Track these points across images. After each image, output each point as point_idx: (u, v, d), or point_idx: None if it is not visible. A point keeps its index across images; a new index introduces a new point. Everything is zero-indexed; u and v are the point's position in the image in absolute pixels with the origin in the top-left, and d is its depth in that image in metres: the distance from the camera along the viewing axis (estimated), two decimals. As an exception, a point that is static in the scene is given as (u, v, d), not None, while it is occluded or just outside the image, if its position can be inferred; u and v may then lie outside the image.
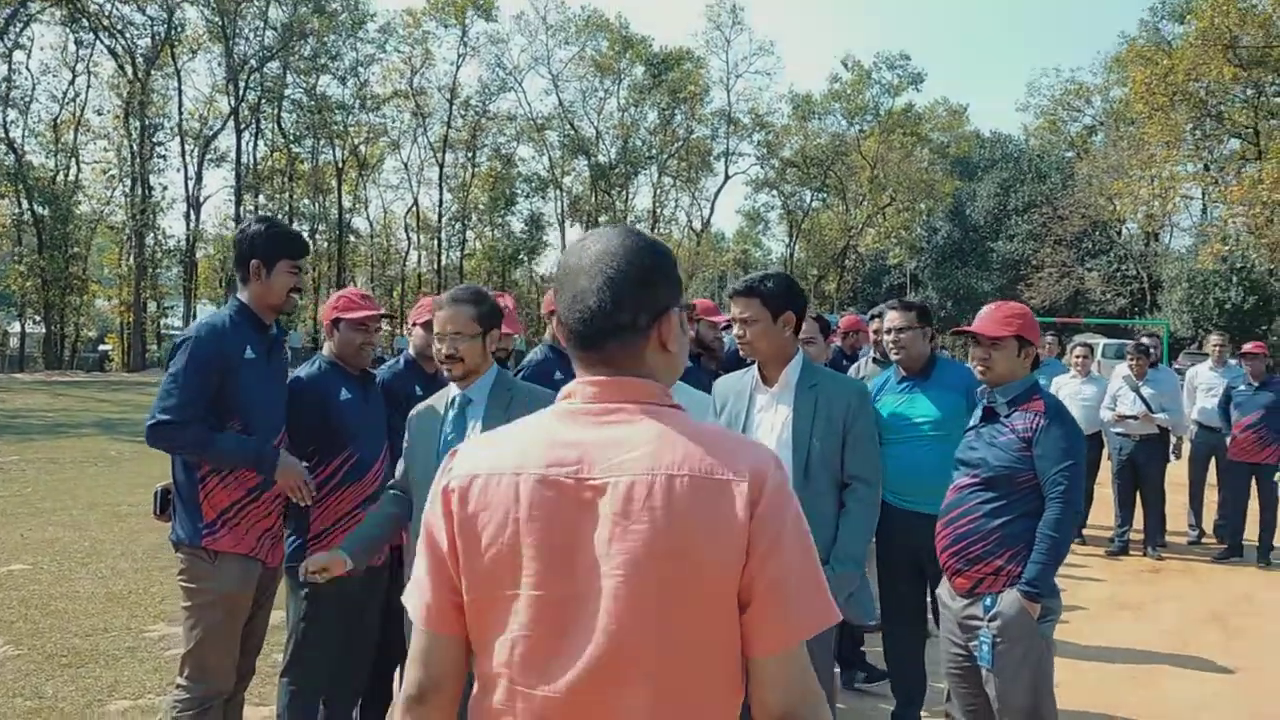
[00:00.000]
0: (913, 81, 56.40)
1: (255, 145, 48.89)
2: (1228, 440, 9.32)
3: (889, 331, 4.74)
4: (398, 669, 4.47)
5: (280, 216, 51.03)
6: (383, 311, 4.30)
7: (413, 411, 3.51)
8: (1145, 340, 9.80)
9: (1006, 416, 3.62)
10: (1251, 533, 9.21)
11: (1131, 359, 9.38)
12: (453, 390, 3.41)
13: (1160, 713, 5.34)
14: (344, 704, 4.22)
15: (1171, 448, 9.48)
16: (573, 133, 56.68)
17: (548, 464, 1.45)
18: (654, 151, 57.71)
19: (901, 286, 55.86)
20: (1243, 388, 9.23)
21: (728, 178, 58.70)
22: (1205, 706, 5.47)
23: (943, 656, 3.84)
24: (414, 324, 4.65)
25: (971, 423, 3.83)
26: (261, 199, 49.62)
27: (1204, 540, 9.86)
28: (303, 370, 4.10)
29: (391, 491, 3.53)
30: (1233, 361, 10.02)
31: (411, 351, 4.65)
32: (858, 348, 7.28)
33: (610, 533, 1.39)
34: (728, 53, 67.99)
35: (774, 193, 61.27)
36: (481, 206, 57.09)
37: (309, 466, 3.94)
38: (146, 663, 5.62)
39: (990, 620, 3.50)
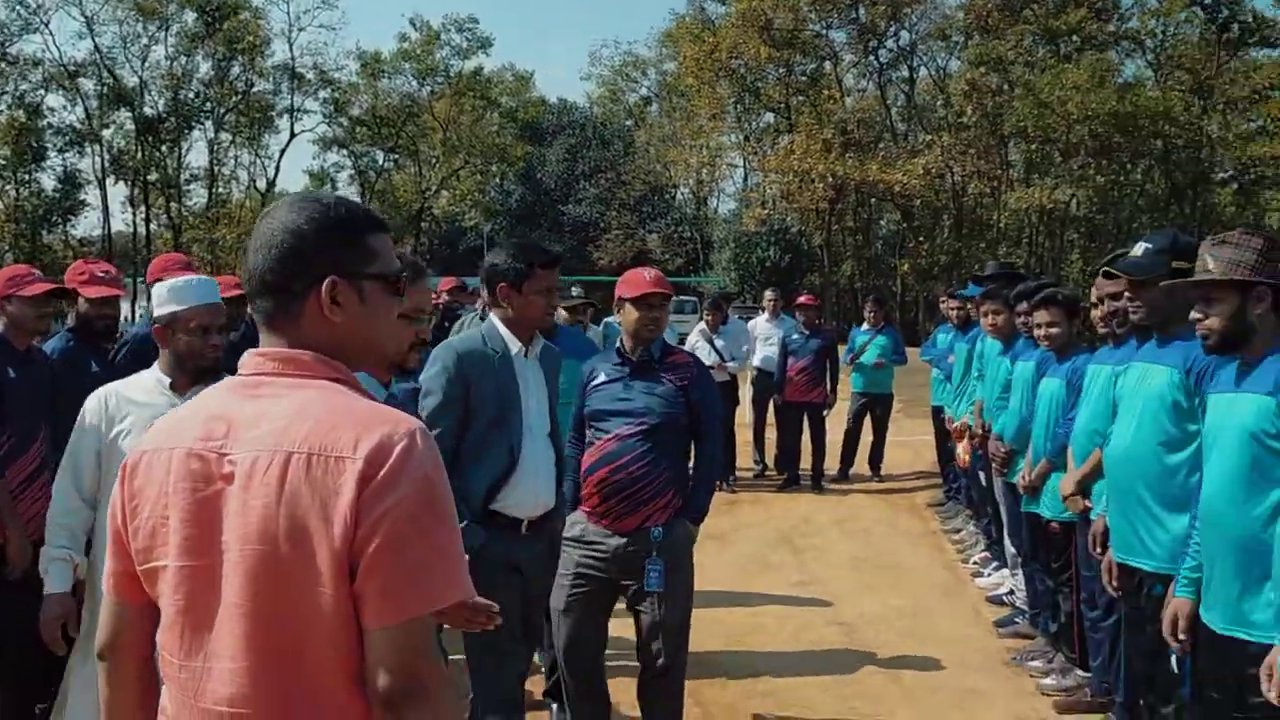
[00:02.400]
0: (481, 46, 56.87)
1: None
2: (782, 384, 10.44)
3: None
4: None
5: None
6: (62, 285, 4.11)
7: None
8: (718, 296, 10.76)
9: (661, 370, 3.93)
10: (806, 464, 10.43)
11: (707, 314, 10.27)
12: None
13: (759, 624, 5.97)
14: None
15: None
16: (113, 82, 51.22)
17: (198, 438, 1.50)
18: (209, 105, 53.66)
19: (479, 249, 56.55)
20: (796, 336, 10.37)
21: (293, 135, 55.92)
22: (790, 616, 6.18)
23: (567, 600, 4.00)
24: (76, 288, 4.26)
25: (606, 377, 4.00)
26: None
27: (767, 473, 11.01)
28: None
29: None
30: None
31: (72, 322, 4.32)
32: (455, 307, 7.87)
33: (235, 508, 1.44)
34: (289, 4, 64.46)
35: (344, 152, 59.41)
36: (2, 161, 50.12)
37: None
38: None
39: (660, 548, 3.80)
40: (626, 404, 3.89)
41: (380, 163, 59.17)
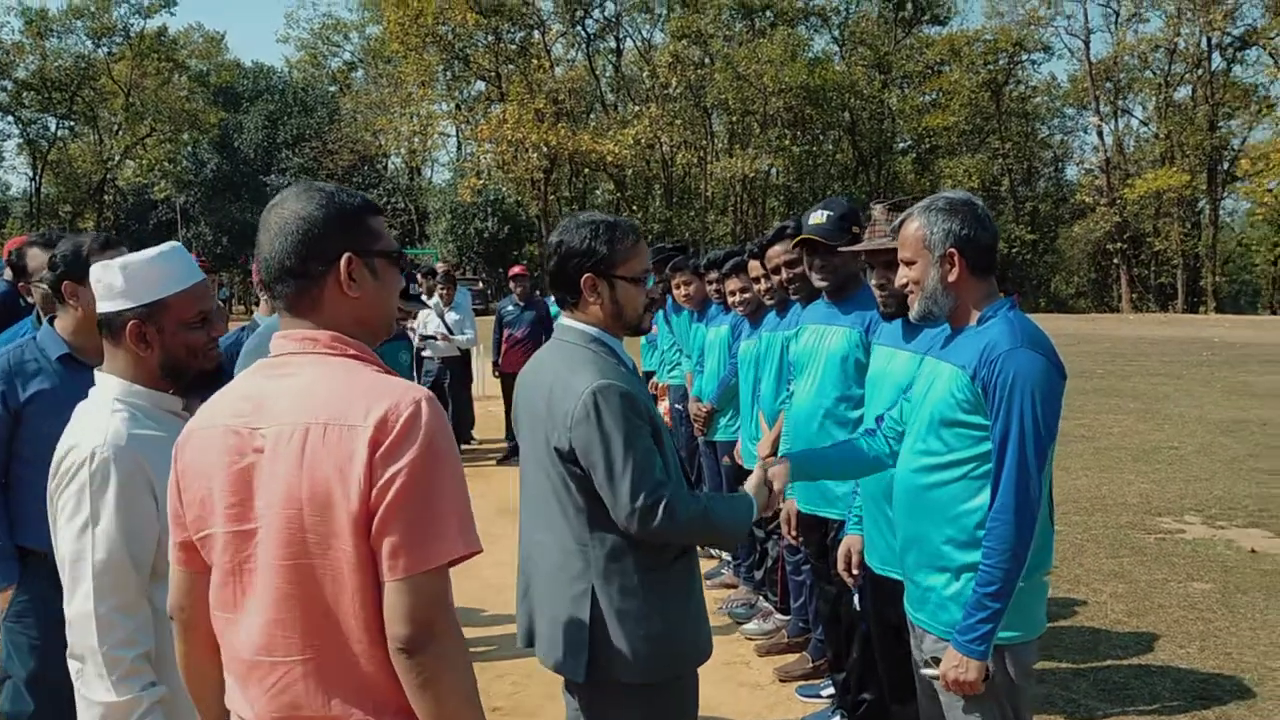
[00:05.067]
0: (165, 4, 52.85)
1: None
2: (498, 355, 10.45)
3: None
4: None
5: None
6: None
7: None
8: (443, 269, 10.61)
9: None
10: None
11: (441, 287, 10.14)
12: None
13: (480, 596, 5.95)
14: None
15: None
16: None
17: (232, 415, 1.66)
18: None
19: (172, 222, 52.84)
20: (511, 308, 10.39)
21: (-54, 99, 49.98)
22: (508, 586, 6.19)
23: None
24: None
25: None
26: None
27: (483, 444, 11.01)
28: None
29: None
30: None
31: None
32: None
33: (264, 477, 1.59)
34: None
35: (9, 119, 53.65)
36: None
37: None
38: None
39: None
40: None
41: (53, 130, 53.88)
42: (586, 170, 49.13)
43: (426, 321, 10.06)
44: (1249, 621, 5.21)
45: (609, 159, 43.88)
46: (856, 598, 3.65)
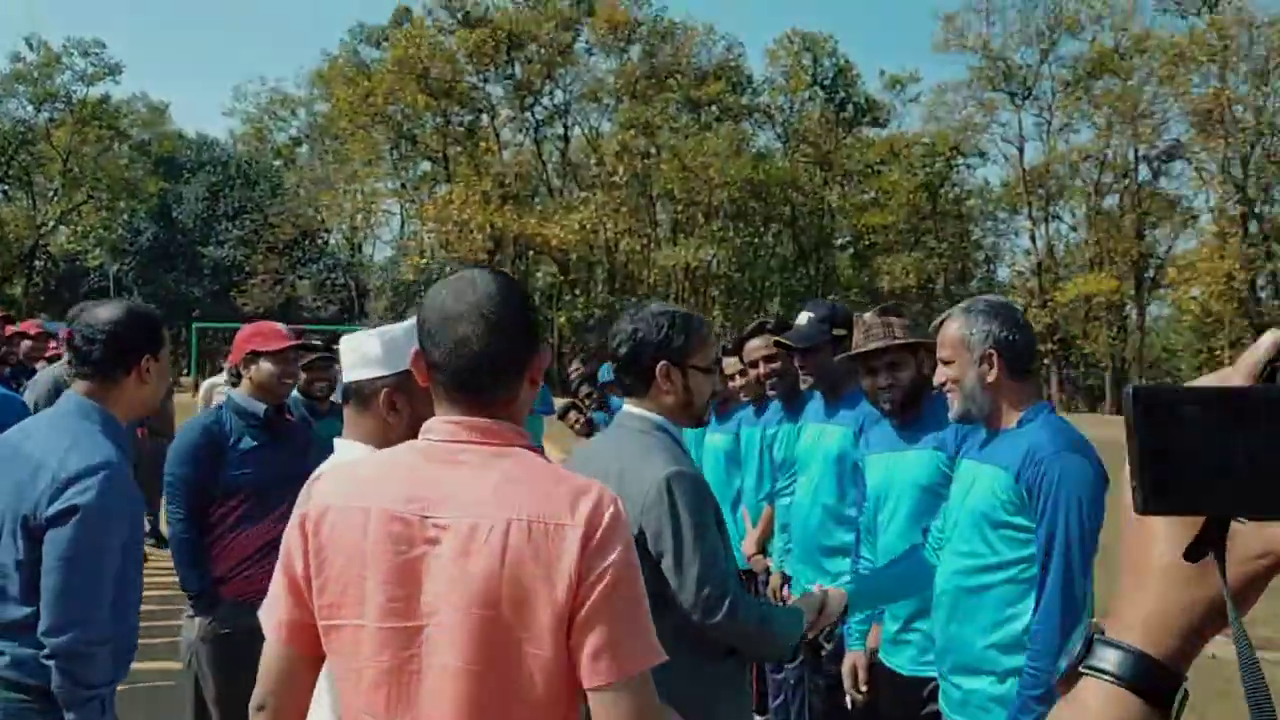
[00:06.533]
0: (110, 72, 52.55)
1: None
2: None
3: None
4: None
5: None
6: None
7: None
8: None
9: None
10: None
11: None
12: None
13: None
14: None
15: None
16: None
17: (395, 500, 1.51)
18: None
19: (104, 290, 51.70)
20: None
21: (-125, 157, 48.87)
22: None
23: None
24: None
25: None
26: None
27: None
28: None
29: None
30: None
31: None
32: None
33: (451, 573, 1.46)
34: None
35: (-59, 180, 52.61)
36: None
37: None
38: None
39: None
40: None
41: (-13, 193, 52.85)
42: (531, 252, 49.31)
43: None
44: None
45: (553, 242, 44.11)
46: (849, 700, 3.49)
